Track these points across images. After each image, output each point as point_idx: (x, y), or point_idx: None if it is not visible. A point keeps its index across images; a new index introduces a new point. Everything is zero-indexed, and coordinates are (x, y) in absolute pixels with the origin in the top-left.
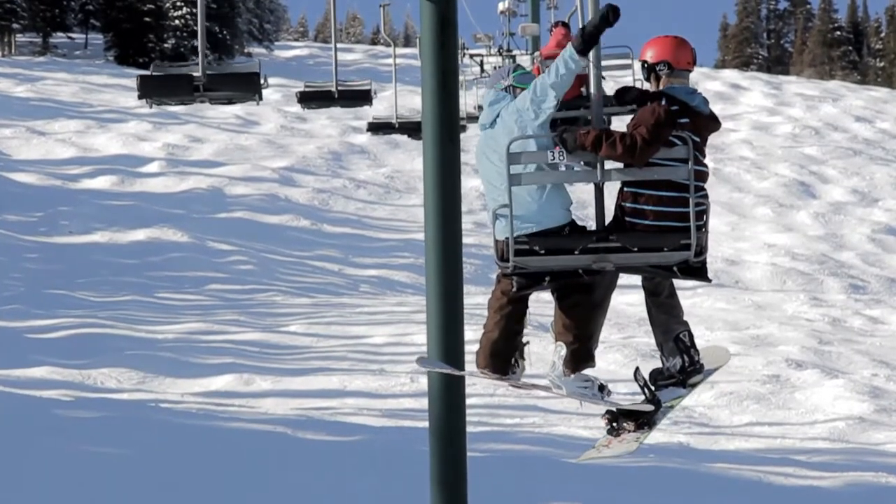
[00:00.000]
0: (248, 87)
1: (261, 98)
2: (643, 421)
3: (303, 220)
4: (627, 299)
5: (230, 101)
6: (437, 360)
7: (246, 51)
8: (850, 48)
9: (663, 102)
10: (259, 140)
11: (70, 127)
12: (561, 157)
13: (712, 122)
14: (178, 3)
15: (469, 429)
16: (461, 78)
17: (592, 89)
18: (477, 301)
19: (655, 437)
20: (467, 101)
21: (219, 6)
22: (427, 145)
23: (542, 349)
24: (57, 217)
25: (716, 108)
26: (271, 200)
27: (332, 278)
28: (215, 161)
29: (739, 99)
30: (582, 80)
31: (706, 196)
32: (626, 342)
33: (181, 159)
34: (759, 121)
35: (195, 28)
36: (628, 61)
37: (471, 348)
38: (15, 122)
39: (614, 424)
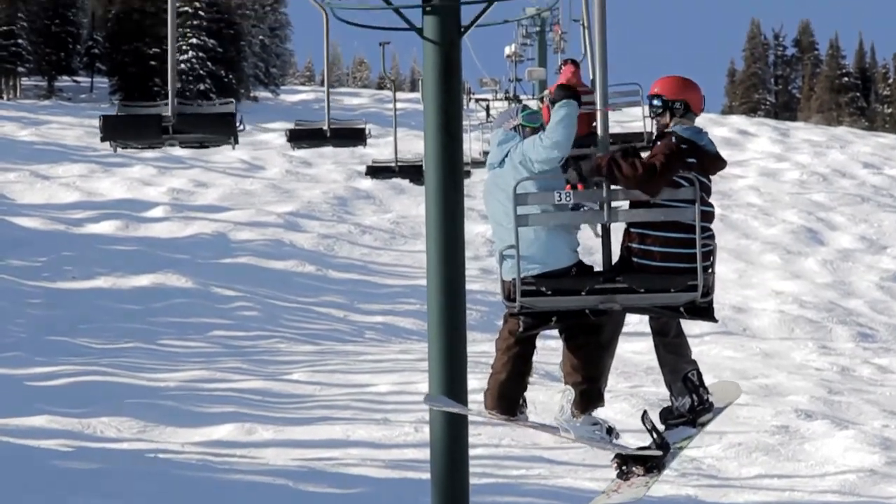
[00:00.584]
0: (222, 129)
1: (236, 142)
2: (652, 465)
3: (308, 266)
4: (634, 347)
5: (202, 145)
6: (445, 398)
7: (252, 95)
8: (858, 94)
9: (673, 140)
10: (264, 185)
11: (74, 171)
12: (568, 199)
13: (718, 161)
14: (185, 48)
15: (473, 480)
16: (465, 122)
17: (599, 130)
18: (483, 349)
19: (664, 489)
20: (472, 146)
21: (225, 50)
22: (429, 189)
23: (549, 398)
24: (60, 262)
25: (723, 154)
26: (276, 246)
27: (336, 325)
28: (220, 206)
29: (747, 145)
30: (591, 117)
31: (713, 237)
32: (633, 391)
33: (186, 204)
34: (767, 167)
35: (201, 72)
36: (637, 98)
37: (476, 397)
38: (19, 165)
39: (623, 468)
